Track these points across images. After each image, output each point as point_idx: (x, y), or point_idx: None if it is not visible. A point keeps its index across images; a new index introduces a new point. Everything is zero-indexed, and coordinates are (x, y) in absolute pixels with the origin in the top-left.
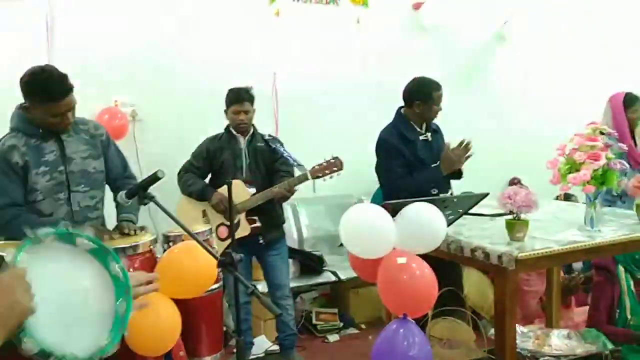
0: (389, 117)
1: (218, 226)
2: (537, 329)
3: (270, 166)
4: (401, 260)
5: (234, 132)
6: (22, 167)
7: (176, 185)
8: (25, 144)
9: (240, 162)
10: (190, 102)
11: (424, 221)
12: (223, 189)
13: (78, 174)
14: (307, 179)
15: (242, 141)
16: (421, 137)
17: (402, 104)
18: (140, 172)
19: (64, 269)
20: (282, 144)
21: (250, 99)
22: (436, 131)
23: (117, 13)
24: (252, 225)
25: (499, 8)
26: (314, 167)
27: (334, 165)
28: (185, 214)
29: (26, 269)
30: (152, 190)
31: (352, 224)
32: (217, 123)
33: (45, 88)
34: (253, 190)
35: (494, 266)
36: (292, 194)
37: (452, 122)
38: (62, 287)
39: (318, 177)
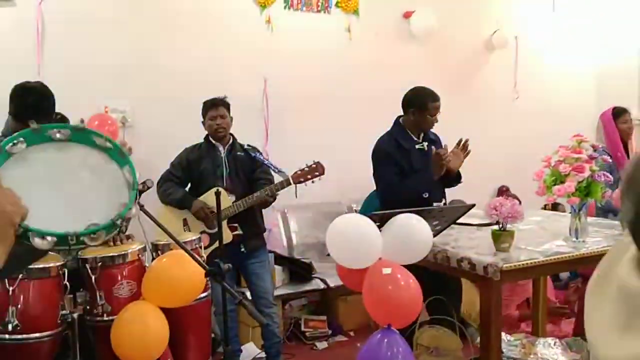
0: (379, 124)
1: (200, 234)
2: (523, 337)
3: (250, 175)
4: (386, 270)
5: (213, 141)
6: None
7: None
8: None
9: (221, 170)
10: (181, 108)
11: (410, 232)
12: (203, 197)
13: None
14: (289, 184)
15: (222, 150)
16: (417, 146)
17: (394, 110)
18: None
19: (50, 162)
20: (261, 153)
21: (225, 105)
22: (434, 141)
23: (107, 20)
24: (234, 233)
25: (488, 17)
26: (295, 173)
27: (315, 170)
28: (165, 223)
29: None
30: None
31: (339, 234)
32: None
33: (21, 100)
34: (233, 198)
35: (479, 276)
36: (274, 198)
37: (441, 130)
38: (53, 176)
39: (300, 182)
